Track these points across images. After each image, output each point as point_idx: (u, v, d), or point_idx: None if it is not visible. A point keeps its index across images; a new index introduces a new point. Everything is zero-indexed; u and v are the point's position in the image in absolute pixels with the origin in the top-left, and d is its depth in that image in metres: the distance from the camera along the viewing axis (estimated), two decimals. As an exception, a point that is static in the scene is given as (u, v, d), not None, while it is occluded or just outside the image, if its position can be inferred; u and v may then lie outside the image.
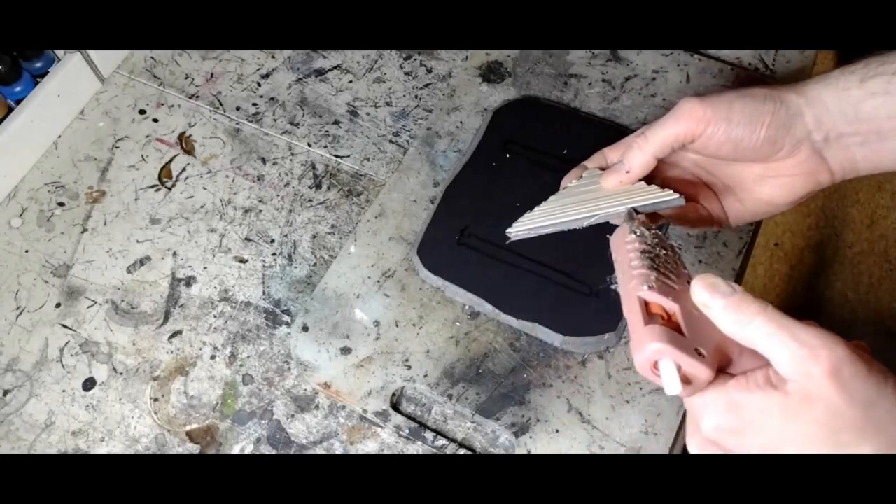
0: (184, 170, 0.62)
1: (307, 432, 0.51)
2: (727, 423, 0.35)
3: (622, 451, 0.48)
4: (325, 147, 0.62)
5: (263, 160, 0.62)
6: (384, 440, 0.50)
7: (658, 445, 0.48)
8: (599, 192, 0.45)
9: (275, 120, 0.63)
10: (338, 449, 0.50)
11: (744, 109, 0.42)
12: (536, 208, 0.47)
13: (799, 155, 0.43)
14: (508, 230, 0.48)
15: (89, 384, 0.53)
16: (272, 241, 0.58)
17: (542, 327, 0.51)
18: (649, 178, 0.46)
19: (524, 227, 0.48)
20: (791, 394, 0.33)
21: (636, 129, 0.47)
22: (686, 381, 0.35)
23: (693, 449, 0.37)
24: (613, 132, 0.58)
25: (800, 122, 0.42)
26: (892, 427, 0.32)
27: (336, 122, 0.63)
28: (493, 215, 0.54)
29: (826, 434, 0.33)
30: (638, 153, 0.44)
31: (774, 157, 0.44)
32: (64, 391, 0.53)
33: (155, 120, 0.64)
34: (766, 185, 0.45)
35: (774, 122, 0.42)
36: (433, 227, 0.56)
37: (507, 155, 0.58)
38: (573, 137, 0.58)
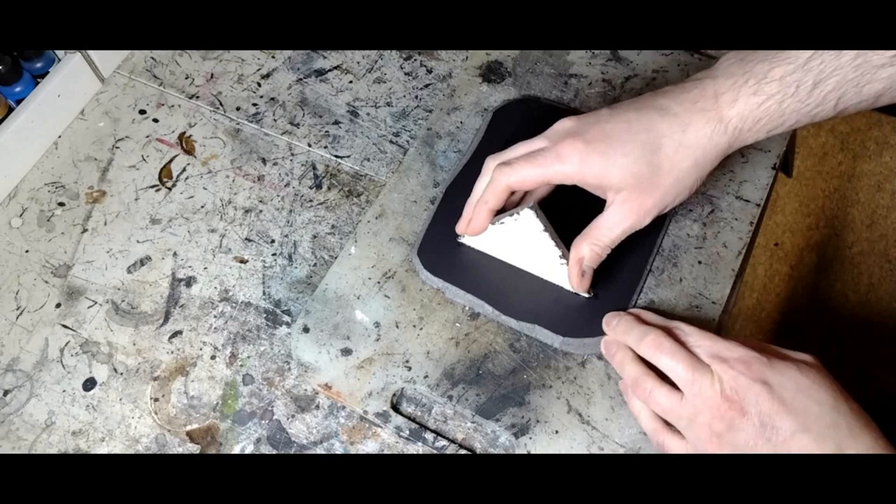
0: (184, 170, 0.62)
1: (307, 432, 0.51)
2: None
3: (621, 451, 0.48)
4: (326, 147, 0.62)
5: (264, 160, 0.62)
6: (384, 441, 0.50)
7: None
8: (537, 248, 0.51)
9: (275, 120, 0.64)
10: (338, 449, 0.50)
11: (677, 190, 0.48)
12: (492, 227, 0.52)
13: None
14: (461, 239, 0.54)
15: (89, 384, 0.53)
16: (272, 241, 0.58)
17: (541, 328, 0.51)
18: None
19: (475, 242, 0.54)
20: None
21: None
22: None
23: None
24: None
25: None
26: None
27: (336, 123, 0.63)
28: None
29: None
30: (587, 266, 0.50)
31: None
32: (64, 391, 0.53)
33: (155, 120, 0.64)
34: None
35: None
36: (433, 228, 0.56)
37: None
38: None
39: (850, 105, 0.45)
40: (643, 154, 0.46)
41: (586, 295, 0.52)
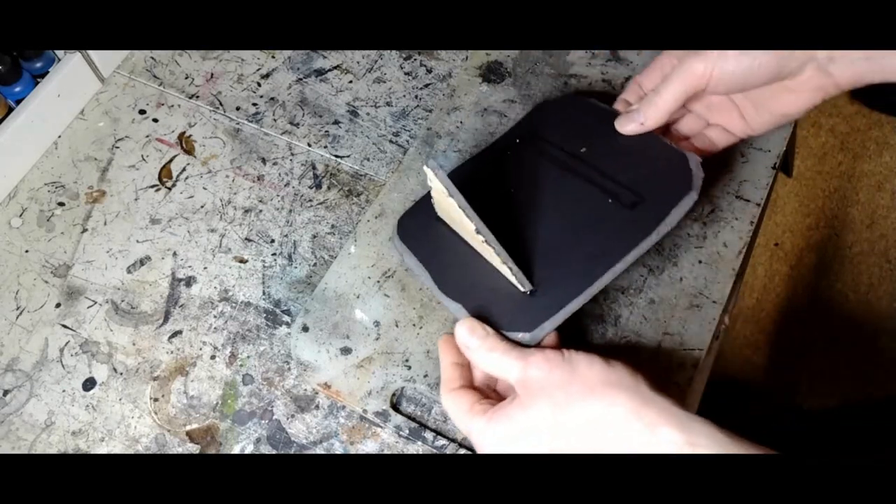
0: (184, 170, 0.62)
1: (307, 432, 0.51)
2: (503, 446, 0.43)
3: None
4: (325, 147, 0.62)
5: (263, 160, 0.62)
6: (384, 440, 0.50)
7: (658, 445, 0.48)
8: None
9: (275, 120, 0.64)
10: (338, 449, 0.50)
11: (741, 54, 0.47)
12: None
13: (805, 73, 0.48)
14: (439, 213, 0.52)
15: (89, 384, 0.53)
16: (272, 241, 0.58)
17: (463, 310, 0.49)
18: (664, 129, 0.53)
19: (443, 215, 0.52)
20: (520, 396, 0.43)
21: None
22: None
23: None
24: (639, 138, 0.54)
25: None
26: (579, 387, 0.42)
27: (336, 122, 0.63)
28: (478, 200, 0.49)
29: (549, 409, 0.42)
30: (653, 109, 0.50)
31: (782, 79, 0.48)
32: (64, 391, 0.53)
33: (155, 120, 0.64)
34: (779, 99, 0.50)
35: (774, 55, 0.47)
36: (425, 201, 0.55)
37: (518, 141, 0.57)
38: (598, 135, 0.54)
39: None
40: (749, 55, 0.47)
41: (522, 288, 0.48)
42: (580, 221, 0.50)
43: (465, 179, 0.55)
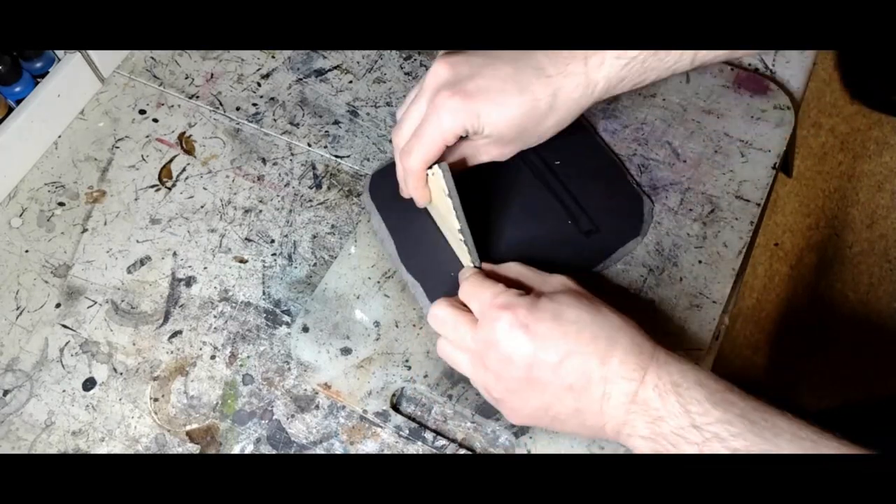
0: (184, 170, 0.62)
1: (307, 432, 0.51)
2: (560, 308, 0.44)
3: (622, 450, 0.48)
4: (325, 147, 0.62)
5: (263, 160, 0.62)
6: (384, 440, 0.50)
7: (658, 445, 0.48)
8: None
9: (275, 120, 0.64)
10: (338, 449, 0.50)
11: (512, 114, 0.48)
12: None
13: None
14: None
15: (89, 384, 0.53)
16: (272, 241, 0.58)
17: (420, 289, 0.53)
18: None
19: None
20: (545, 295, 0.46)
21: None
22: None
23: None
24: (612, 168, 0.58)
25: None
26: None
27: (336, 122, 0.63)
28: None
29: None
30: (414, 157, 0.49)
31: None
32: (64, 391, 0.53)
33: (155, 120, 0.64)
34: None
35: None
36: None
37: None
38: (572, 152, 0.57)
39: (708, 59, 0.49)
40: (515, 115, 0.48)
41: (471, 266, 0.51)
42: (542, 236, 0.54)
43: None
